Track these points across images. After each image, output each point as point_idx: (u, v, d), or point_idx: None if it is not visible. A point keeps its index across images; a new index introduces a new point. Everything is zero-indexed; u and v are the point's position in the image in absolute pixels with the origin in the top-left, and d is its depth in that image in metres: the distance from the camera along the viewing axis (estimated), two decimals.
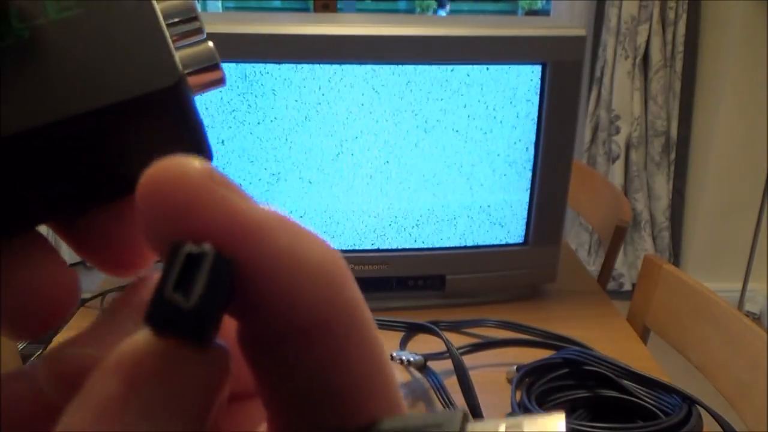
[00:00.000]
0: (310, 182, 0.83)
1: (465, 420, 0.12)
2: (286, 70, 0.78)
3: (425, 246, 0.88)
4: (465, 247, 0.89)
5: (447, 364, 0.71)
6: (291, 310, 0.12)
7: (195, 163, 0.12)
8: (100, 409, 0.11)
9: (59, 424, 0.11)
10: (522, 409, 0.62)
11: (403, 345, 0.80)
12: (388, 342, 0.79)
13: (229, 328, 0.13)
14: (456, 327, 0.84)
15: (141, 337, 0.12)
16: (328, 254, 0.13)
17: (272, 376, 0.13)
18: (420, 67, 0.79)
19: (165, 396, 0.11)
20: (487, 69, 0.80)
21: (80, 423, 0.11)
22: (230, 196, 0.12)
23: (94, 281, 0.82)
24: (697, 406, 0.62)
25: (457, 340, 0.80)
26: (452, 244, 0.88)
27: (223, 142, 0.80)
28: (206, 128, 0.15)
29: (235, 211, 0.12)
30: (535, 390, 0.64)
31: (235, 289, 0.12)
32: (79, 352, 0.14)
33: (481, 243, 0.89)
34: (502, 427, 0.11)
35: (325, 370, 0.13)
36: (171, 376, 0.11)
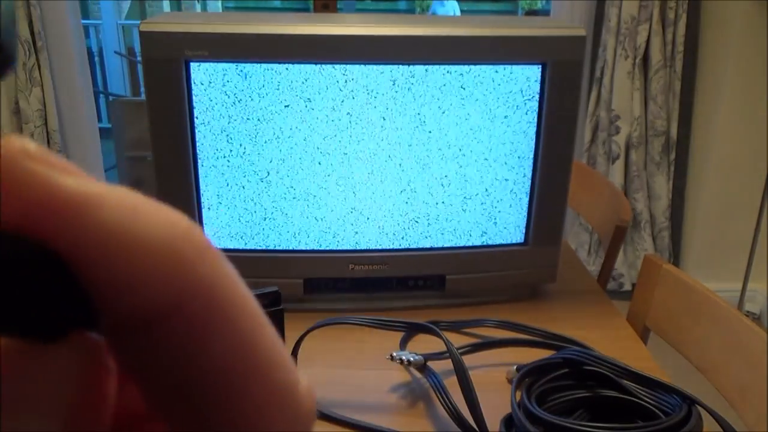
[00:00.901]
0: (310, 181, 0.83)
1: None
2: (286, 70, 0.78)
3: (425, 246, 0.88)
4: (465, 247, 0.89)
5: (447, 364, 0.71)
6: (130, 296, 0.11)
7: (12, 140, 0.11)
8: None
9: None
10: (522, 409, 0.62)
11: (403, 345, 0.80)
12: (388, 342, 0.79)
13: None
14: (456, 327, 0.84)
15: None
16: (173, 229, 0.11)
17: (136, 373, 0.12)
18: (420, 67, 0.79)
19: (12, 393, 0.10)
20: (487, 69, 0.80)
21: None
22: (44, 171, 0.11)
23: None
24: (697, 406, 0.62)
25: (457, 340, 0.80)
26: (452, 244, 0.88)
27: (224, 141, 0.80)
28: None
29: (48, 185, 0.11)
30: (535, 390, 0.64)
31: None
32: None
33: (481, 243, 0.89)
34: None
35: (185, 361, 0.11)
36: (15, 373, 0.11)
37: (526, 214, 0.88)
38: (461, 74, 0.80)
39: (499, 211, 0.87)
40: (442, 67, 0.79)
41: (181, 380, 0.12)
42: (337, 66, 0.78)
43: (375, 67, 0.79)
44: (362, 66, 0.78)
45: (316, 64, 0.78)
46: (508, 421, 0.63)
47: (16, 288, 0.10)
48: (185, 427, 0.12)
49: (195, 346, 0.11)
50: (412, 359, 0.71)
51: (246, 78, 0.78)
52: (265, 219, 0.84)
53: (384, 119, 0.81)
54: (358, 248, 0.86)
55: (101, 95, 4.33)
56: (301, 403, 0.13)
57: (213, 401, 0.12)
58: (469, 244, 0.89)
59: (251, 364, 0.12)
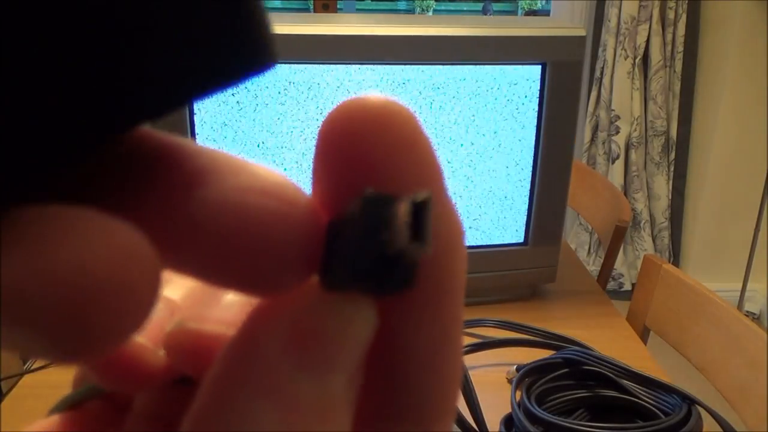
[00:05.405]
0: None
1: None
2: (286, 70, 0.78)
3: None
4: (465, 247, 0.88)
5: None
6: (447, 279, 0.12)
7: (396, 102, 0.11)
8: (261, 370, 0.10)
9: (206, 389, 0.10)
10: (522, 409, 0.62)
11: None
12: None
13: None
14: None
15: (311, 292, 0.11)
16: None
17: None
18: (420, 67, 0.79)
19: (330, 351, 0.10)
20: (487, 69, 0.80)
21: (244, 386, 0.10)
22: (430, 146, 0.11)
23: None
24: (697, 406, 0.62)
25: None
26: None
27: (224, 141, 0.80)
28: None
29: (436, 165, 0.11)
30: (535, 390, 0.64)
31: None
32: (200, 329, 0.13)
33: (481, 243, 0.89)
34: None
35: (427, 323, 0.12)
36: (340, 331, 0.11)
37: (526, 214, 0.88)
38: (461, 74, 0.80)
39: (499, 211, 0.87)
40: (443, 67, 0.79)
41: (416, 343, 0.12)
42: (337, 66, 0.78)
43: (374, 67, 0.79)
44: (362, 66, 0.78)
45: (316, 64, 0.78)
46: (508, 421, 0.63)
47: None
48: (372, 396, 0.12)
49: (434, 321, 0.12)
50: None
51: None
52: None
53: None
54: None
55: None
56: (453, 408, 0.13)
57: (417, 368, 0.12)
58: (469, 244, 0.89)
59: (455, 342, 0.12)
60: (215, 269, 0.11)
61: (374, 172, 0.11)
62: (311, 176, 0.12)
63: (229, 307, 0.14)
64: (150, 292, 0.09)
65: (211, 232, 0.10)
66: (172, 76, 0.09)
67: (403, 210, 0.10)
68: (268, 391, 0.10)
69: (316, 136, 0.11)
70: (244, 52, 0.10)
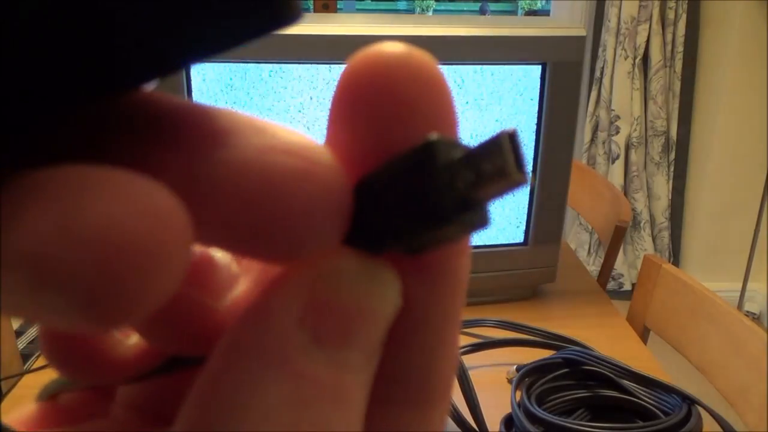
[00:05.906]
0: None
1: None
2: (286, 70, 0.78)
3: None
4: None
5: None
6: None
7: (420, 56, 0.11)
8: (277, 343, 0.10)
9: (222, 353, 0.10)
10: (522, 409, 0.62)
11: None
12: None
13: None
14: None
15: (332, 261, 0.10)
16: None
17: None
18: None
19: (350, 325, 0.10)
20: (487, 69, 0.80)
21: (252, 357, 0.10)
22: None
23: None
24: (697, 406, 0.62)
25: None
26: None
27: None
28: None
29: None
30: (535, 390, 0.64)
31: None
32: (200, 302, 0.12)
33: (481, 243, 0.89)
34: None
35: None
36: (361, 304, 0.10)
37: (525, 214, 0.88)
38: (461, 74, 0.80)
39: (499, 211, 0.87)
40: (442, 67, 0.79)
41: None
42: (337, 66, 0.78)
43: None
44: None
45: (316, 64, 0.78)
46: (508, 421, 0.63)
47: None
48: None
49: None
50: None
51: (245, 78, 0.78)
52: None
53: None
54: None
55: None
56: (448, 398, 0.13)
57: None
58: (469, 244, 0.88)
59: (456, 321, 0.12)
60: (236, 233, 0.10)
61: (404, 118, 0.10)
62: (327, 136, 0.11)
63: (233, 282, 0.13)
64: (183, 256, 0.09)
65: (231, 193, 0.10)
66: (184, 30, 0.09)
67: (504, 143, 0.10)
68: (279, 362, 0.09)
69: (335, 89, 0.11)
70: (264, 7, 0.10)
